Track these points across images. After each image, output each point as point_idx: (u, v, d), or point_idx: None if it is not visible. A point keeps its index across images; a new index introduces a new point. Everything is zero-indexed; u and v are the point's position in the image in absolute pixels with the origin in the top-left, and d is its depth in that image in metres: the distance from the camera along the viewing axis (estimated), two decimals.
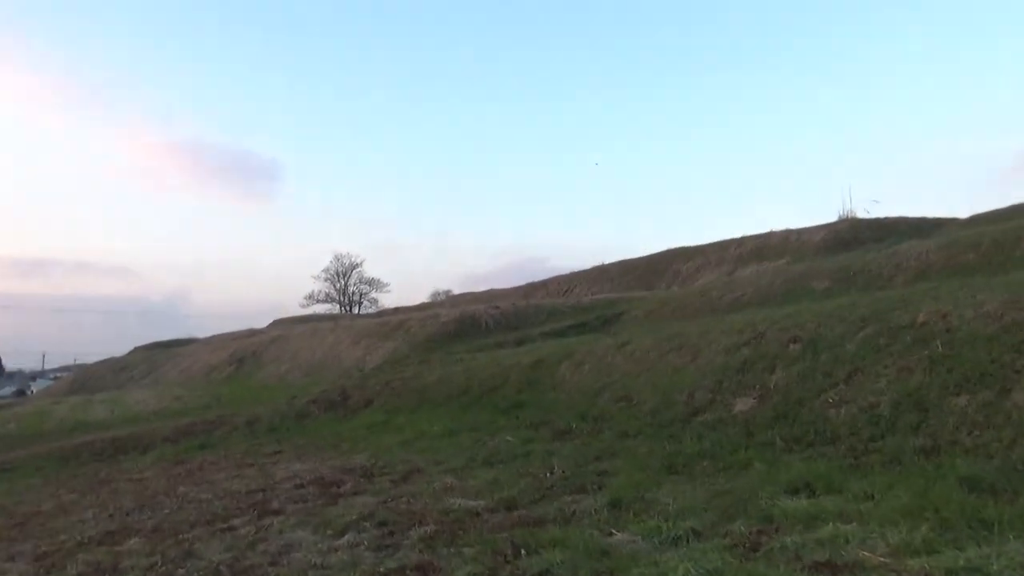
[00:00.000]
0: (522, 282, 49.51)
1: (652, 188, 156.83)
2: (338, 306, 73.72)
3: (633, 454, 7.76)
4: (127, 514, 8.64)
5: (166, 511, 8.45)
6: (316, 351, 27.22)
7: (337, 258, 74.03)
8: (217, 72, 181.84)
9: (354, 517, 6.52)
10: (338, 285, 75.13)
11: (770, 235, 26.45)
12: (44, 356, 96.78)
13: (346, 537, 5.92)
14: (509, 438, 10.12)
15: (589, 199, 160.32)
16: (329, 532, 6.21)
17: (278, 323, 61.37)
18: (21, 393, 74.16)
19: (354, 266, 74.82)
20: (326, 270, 73.46)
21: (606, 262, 35.23)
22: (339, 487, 8.39)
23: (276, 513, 7.38)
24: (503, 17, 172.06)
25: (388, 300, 73.68)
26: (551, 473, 7.32)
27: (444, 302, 44.70)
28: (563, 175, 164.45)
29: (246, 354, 33.74)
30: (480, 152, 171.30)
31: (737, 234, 29.45)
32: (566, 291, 33.23)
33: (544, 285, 36.46)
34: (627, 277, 31.06)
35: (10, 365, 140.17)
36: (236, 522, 7.24)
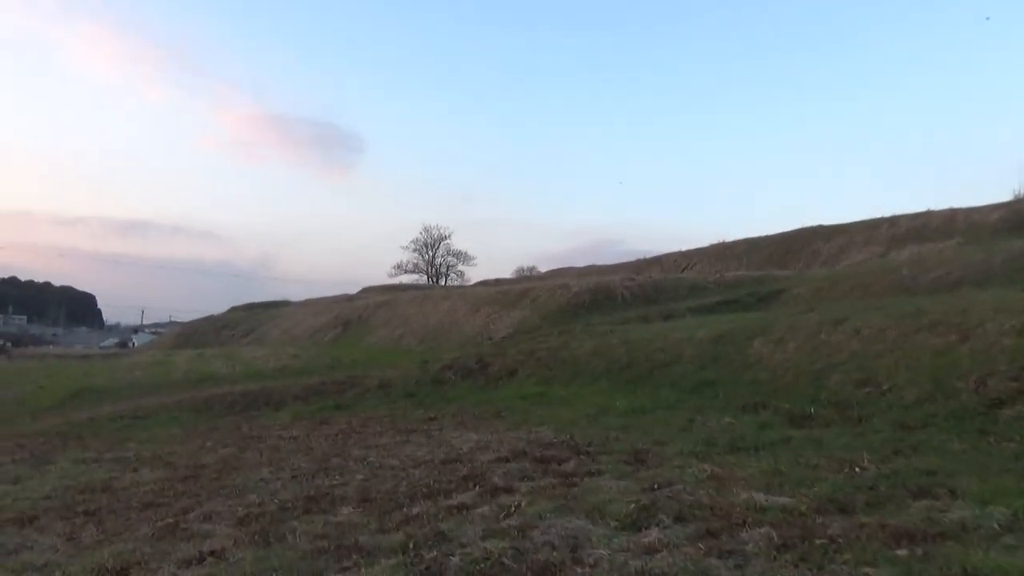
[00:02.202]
0: (601, 262, 47.89)
1: (734, 169, 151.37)
2: (425, 277, 73.63)
3: (943, 450, 6.21)
4: (312, 477, 7.65)
5: (359, 476, 7.41)
6: (430, 317, 26.36)
7: (426, 229, 73.73)
8: (305, 46, 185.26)
9: (630, 507, 5.22)
10: (426, 256, 74.95)
11: (929, 214, 23.89)
12: (143, 311, 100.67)
13: (652, 534, 4.61)
14: (729, 419, 8.71)
15: (659, 183, 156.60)
16: (614, 524, 4.93)
17: (368, 290, 61.36)
18: (123, 345, 77.50)
19: (443, 238, 74.42)
20: (415, 241, 73.28)
21: (727, 239, 33.17)
22: (559, 464, 7.16)
23: (507, 491, 6.18)
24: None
25: (473, 274, 73.14)
26: (859, 469, 5.84)
27: (550, 274, 43.38)
28: (638, 157, 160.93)
29: (351, 318, 33.36)
30: (553, 132, 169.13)
31: (867, 214, 27.07)
32: (684, 268, 31.38)
33: (657, 262, 34.63)
34: (756, 256, 28.95)
35: (109, 319, 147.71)
36: (462, 498, 6.07)
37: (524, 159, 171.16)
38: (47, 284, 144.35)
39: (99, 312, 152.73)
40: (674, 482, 5.97)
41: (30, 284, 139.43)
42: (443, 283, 71.04)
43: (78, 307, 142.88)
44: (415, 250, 73.45)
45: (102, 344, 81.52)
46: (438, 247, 74.65)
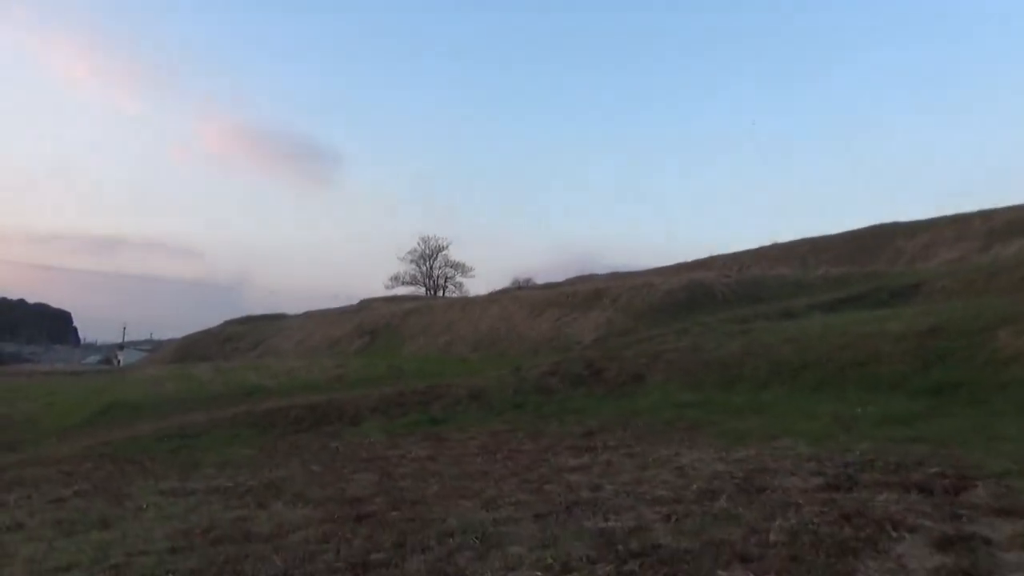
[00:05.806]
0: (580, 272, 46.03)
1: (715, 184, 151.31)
2: (423, 288, 71.09)
3: None
4: (566, 513, 5.31)
5: (651, 516, 5.09)
6: (479, 323, 24.04)
7: (424, 240, 71.17)
8: (284, 58, 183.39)
9: None
10: (423, 268, 72.43)
11: None
12: (125, 328, 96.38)
13: None
14: None
15: (624, 195, 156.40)
16: None
17: (371, 301, 58.81)
18: (107, 362, 73.68)
19: (441, 248, 71.91)
20: (412, 252, 70.73)
21: (779, 241, 31.40)
22: (955, 494, 4.92)
23: (985, 542, 3.93)
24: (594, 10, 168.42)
25: (471, 285, 70.80)
26: None
27: (574, 281, 41.21)
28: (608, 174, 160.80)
29: (377, 327, 30.93)
30: (530, 141, 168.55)
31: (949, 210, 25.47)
32: (739, 269, 29.42)
33: (703, 264, 32.70)
34: (822, 256, 27.09)
35: (86, 337, 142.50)
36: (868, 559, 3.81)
37: (506, 171, 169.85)
38: (21, 301, 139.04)
39: (75, 330, 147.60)
40: None
41: (3, 302, 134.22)
42: (441, 294, 68.57)
43: (54, 325, 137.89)
44: (412, 261, 70.92)
45: (84, 361, 77.73)
46: (436, 258, 72.22)
